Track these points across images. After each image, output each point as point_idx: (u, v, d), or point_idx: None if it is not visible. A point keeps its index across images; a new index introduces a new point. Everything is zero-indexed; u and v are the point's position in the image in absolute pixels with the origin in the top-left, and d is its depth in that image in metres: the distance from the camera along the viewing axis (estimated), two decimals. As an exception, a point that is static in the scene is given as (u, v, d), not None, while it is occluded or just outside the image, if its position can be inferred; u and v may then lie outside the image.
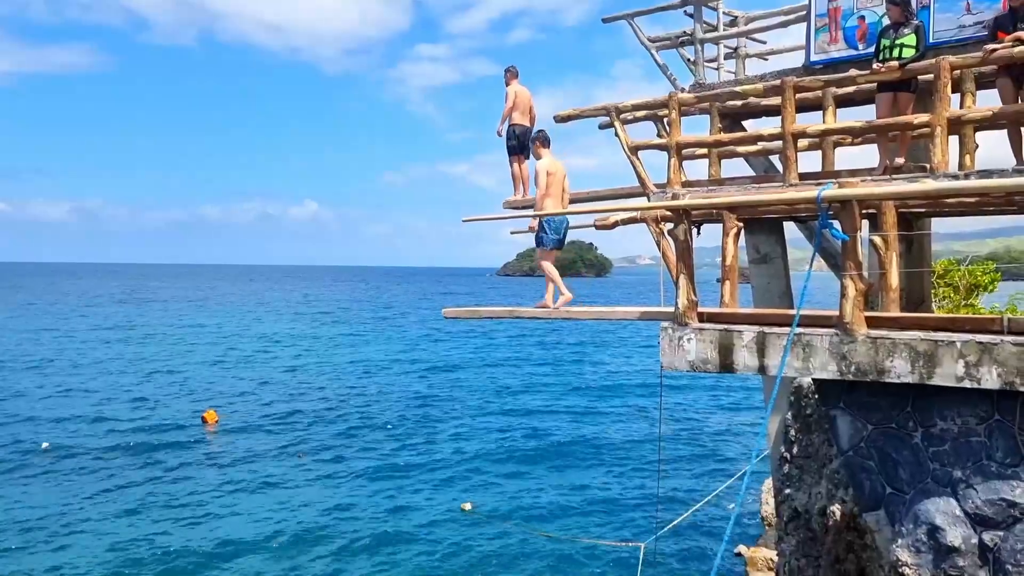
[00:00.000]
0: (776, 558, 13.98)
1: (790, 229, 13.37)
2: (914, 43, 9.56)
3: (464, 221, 11.47)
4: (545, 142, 12.02)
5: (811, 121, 10.75)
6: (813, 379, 8.31)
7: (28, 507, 25.32)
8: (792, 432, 11.71)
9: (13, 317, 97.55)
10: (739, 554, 19.57)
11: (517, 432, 37.48)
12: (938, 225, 12.42)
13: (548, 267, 12.06)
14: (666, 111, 10.70)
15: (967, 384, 7.19)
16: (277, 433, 36.36)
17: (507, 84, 13.72)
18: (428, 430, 37.80)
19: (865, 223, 8.97)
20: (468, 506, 26.10)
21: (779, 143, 10.14)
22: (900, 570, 7.71)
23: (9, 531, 23.38)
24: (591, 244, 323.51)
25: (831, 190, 7.80)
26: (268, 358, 63.64)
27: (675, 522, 20.15)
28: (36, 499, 26.26)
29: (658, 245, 11.66)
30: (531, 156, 12.32)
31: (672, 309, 9.10)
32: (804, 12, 12.20)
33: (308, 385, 50.21)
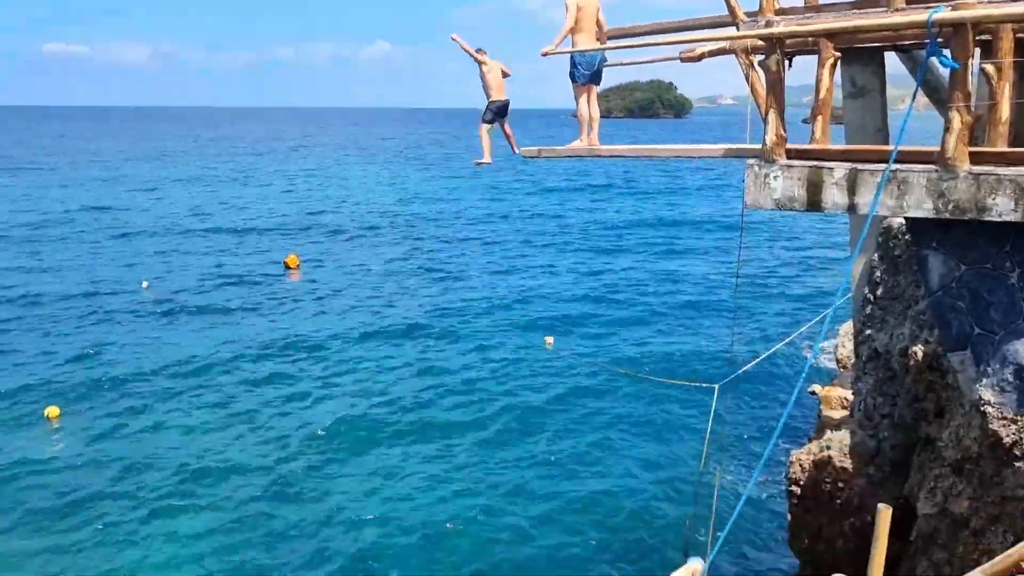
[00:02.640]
0: (851, 397, 14.10)
1: (889, 63, 12.49)
2: None
3: (543, 54, 11.08)
4: None
5: (925, -64, 9.75)
6: (906, 218, 8.01)
7: (124, 343, 27.33)
8: (878, 273, 11.47)
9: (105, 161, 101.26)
10: (813, 393, 19.81)
11: (598, 274, 37.88)
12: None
13: (581, 104, 11.95)
14: (762, -71, 9.85)
15: (1074, 222, 6.82)
16: (361, 275, 37.63)
17: None
18: (512, 270, 38.52)
19: (976, 52, 8.29)
20: (550, 340, 27.03)
21: (887, -38, 9.29)
22: (982, 408, 7.69)
23: (103, 362, 25.47)
24: (671, 83, 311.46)
25: (943, 12, 7.17)
26: (350, 202, 64.84)
27: (751, 363, 20.37)
28: (132, 335, 28.26)
29: (747, 78, 11.09)
30: None
31: (759, 146, 8.77)
32: None
33: (393, 227, 51.20)
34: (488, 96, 13.39)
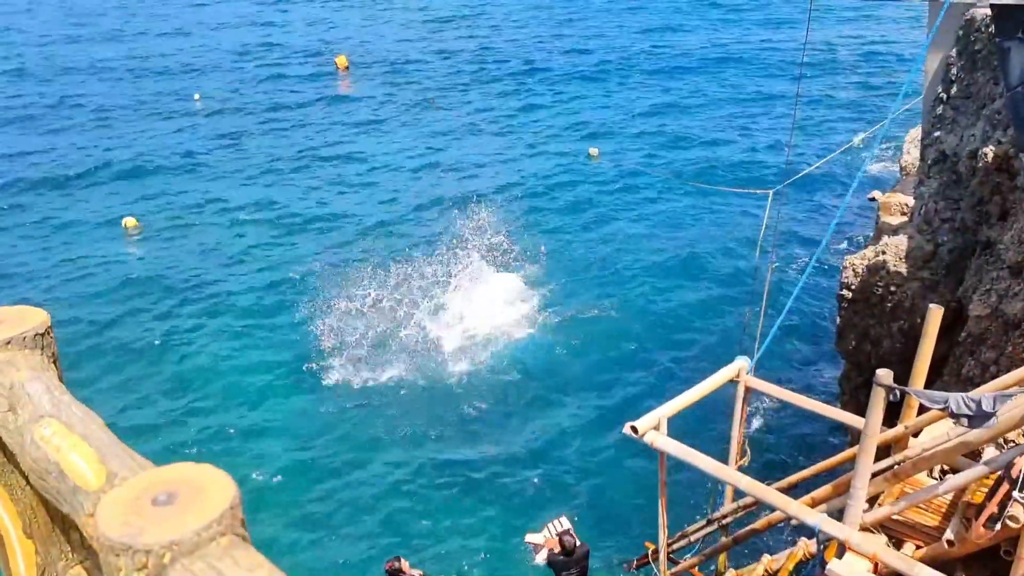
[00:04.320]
0: (911, 202, 13.79)
1: None
2: None
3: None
4: None
5: None
6: (991, 5, 7.44)
7: (178, 152, 27.73)
8: (954, 70, 10.83)
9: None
10: (872, 199, 19.43)
11: (648, 74, 36.36)
12: None
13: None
14: None
15: None
16: (408, 78, 36.83)
17: None
18: (558, 70, 37.21)
19: None
20: (595, 152, 26.57)
21: None
22: (1049, 210, 7.48)
23: (161, 171, 26.02)
24: None
25: None
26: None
27: (807, 170, 19.90)
28: (187, 145, 28.60)
29: None
30: None
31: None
32: None
33: (439, 26, 49.27)
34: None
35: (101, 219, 22.56)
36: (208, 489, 1.41)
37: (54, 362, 2.13)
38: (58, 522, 2.11)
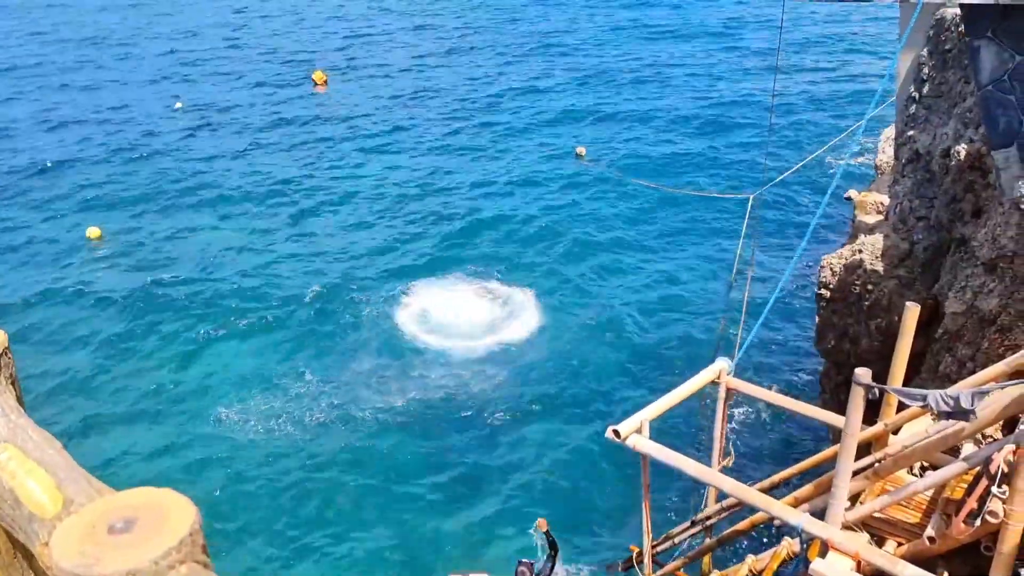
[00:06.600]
0: (887, 201, 13.89)
1: None
2: None
3: None
4: None
5: None
6: (961, 5, 7.51)
7: (163, 163, 27.44)
8: (926, 70, 10.92)
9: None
10: (848, 198, 19.57)
11: (630, 78, 36.48)
12: None
13: None
14: None
15: None
16: (387, 89, 36.69)
17: None
18: (543, 76, 37.21)
19: None
20: (582, 151, 26.70)
21: None
22: (1021, 206, 7.55)
23: (130, 181, 25.71)
24: None
25: None
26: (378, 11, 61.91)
27: (785, 174, 20.01)
28: (171, 154, 28.29)
29: None
30: None
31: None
32: None
33: (419, 37, 49.14)
34: None
35: (64, 229, 22.24)
36: (167, 515, 1.36)
37: (12, 383, 2.06)
38: (20, 547, 2.05)
